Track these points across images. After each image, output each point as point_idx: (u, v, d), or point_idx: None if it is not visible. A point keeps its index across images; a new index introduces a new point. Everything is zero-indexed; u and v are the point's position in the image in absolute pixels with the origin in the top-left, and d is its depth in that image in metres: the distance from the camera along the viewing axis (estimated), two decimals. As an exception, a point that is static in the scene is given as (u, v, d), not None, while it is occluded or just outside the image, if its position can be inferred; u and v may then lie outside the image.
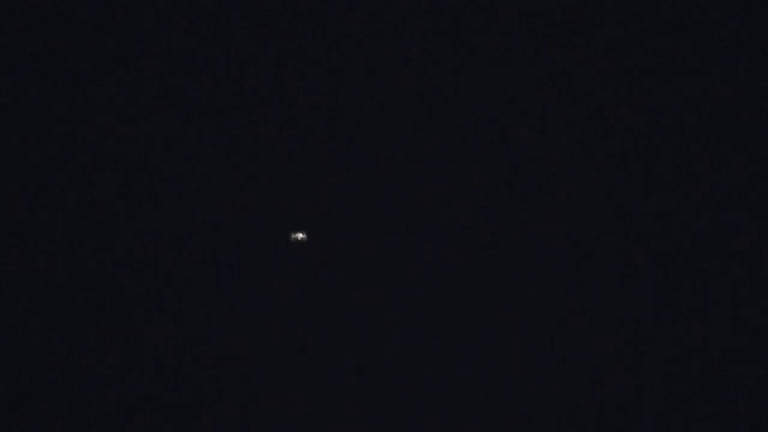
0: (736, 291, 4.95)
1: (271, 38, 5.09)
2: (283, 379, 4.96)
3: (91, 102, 5.01)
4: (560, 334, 4.96)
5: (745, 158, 5.01)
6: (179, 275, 4.98)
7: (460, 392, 4.94)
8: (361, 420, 4.93)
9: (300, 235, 4.80)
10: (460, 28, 5.08)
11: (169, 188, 5.03)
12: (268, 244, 5.04)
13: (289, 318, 5.01)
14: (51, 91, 5.01)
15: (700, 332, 4.94)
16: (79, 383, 4.88)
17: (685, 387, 4.91)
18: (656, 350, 4.94)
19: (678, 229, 5.00)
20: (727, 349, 4.92)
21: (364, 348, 4.98)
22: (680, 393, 4.91)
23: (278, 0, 5.08)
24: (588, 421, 4.90)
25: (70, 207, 4.95)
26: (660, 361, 4.93)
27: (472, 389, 4.94)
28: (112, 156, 5.00)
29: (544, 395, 4.93)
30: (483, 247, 5.02)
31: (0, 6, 4.97)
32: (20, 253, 4.93)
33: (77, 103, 5.01)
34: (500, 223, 5.03)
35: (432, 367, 4.97)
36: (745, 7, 5.03)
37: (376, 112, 5.08)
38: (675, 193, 5.02)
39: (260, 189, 5.06)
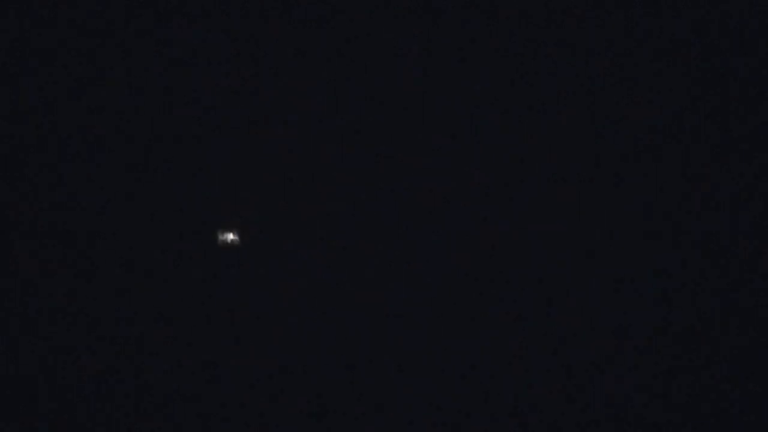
0: (736, 291, 4.95)
1: (270, 38, 5.10)
2: (282, 379, 4.96)
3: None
4: (560, 335, 4.96)
5: (745, 158, 5.01)
6: (181, 275, 4.99)
7: (460, 392, 4.94)
8: (361, 420, 4.93)
9: (231, 236, 4.79)
10: (460, 28, 5.09)
11: (170, 189, 5.03)
12: (268, 244, 5.04)
13: (288, 318, 5.01)
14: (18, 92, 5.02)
15: (701, 332, 4.94)
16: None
17: (686, 387, 4.91)
18: (656, 350, 4.95)
19: (678, 228, 5.01)
20: (728, 349, 4.93)
21: (364, 348, 4.98)
22: (680, 393, 4.91)
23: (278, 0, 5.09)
24: (588, 421, 4.90)
25: None
26: (660, 361, 4.93)
27: (471, 389, 4.94)
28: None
29: (544, 395, 4.93)
30: (483, 247, 5.02)
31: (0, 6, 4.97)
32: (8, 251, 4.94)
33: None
34: (500, 223, 5.03)
35: (432, 367, 4.97)
36: (746, 7, 5.03)
37: (377, 112, 5.09)
38: (675, 193, 5.02)
39: (260, 189, 5.06)
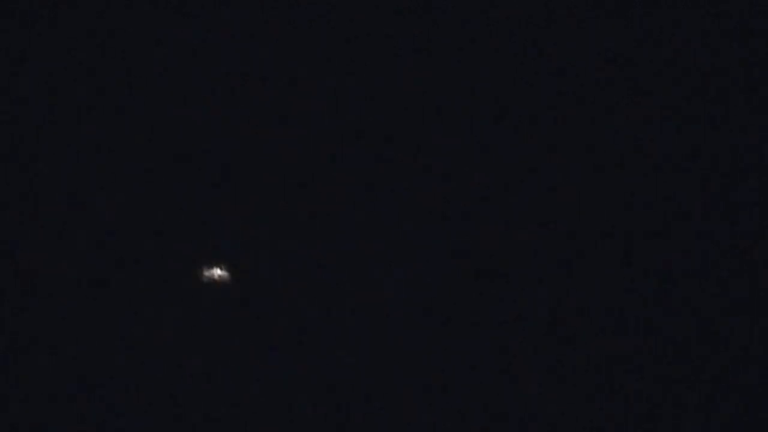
0: (736, 291, 4.96)
1: (268, 38, 5.10)
2: (283, 380, 4.96)
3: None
4: (560, 335, 4.97)
5: (746, 158, 5.01)
6: (183, 276, 4.99)
7: (460, 392, 4.94)
8: (361, 420, 4.93)
9: (218, 272, 4.81)
10: (460, 27, 5.09)
11: (169, 189, 5.03)
12: (270, 246, 5.04)
13: (288, 318, 5.01)
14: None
15: (700, 332, 4.94)
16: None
17: (685, 387, 4.91)
18: (656, 350, 4.95)
19: (678, 229, 5.01)
20: (727, 349, 4.93)
21: (364, 348, 4.98)
22: (680, 393, 4.91)
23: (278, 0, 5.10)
24: (588, 421, 4.90)
25: None
26: (659, 362, 4.93)
27: (471, 389, 4.94)
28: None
29: (544, 395, 4.92)
30: (483, 247, 5.03)
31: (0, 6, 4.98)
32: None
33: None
34: (500, 223, 5.03)
35: (432, 367, 4.97)
36: (745, 8, 5.04)
37: (376, 112, 5.09)
38: (674, 194, 5.03)
39: (260, 189, 5.06)
